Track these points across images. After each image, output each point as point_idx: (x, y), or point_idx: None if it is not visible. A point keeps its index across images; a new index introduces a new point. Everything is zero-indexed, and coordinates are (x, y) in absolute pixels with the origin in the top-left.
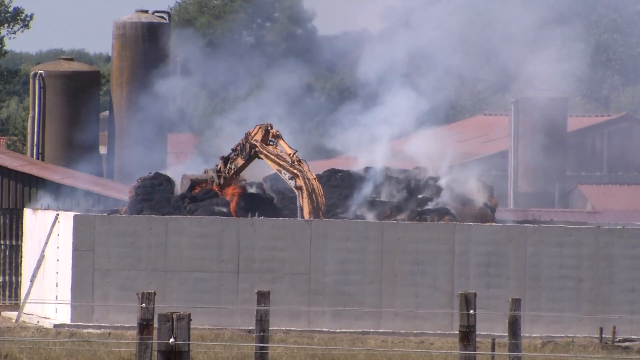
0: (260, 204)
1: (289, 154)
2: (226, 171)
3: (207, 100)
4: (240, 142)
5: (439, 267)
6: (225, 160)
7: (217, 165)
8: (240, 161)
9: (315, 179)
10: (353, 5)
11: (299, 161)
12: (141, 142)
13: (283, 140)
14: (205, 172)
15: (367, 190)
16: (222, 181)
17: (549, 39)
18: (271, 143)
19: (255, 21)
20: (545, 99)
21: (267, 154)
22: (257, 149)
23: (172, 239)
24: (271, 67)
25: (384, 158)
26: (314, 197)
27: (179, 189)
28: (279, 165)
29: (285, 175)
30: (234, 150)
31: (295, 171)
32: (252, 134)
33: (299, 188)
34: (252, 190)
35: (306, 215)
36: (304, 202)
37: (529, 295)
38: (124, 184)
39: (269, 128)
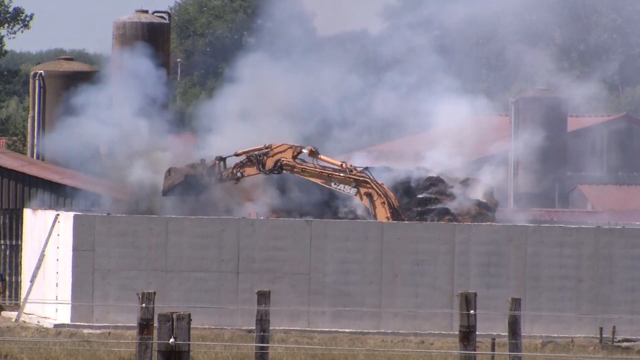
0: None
1: (340, 165)
2: (226, 174)
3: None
4: (257, 152)
5: (439, 267)
6: (221, 159)
7: (202, 161)
8: (252, 171)
9: (383, 184)
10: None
11: (355, 169)
12: None
13: (321, 155)
14: (194, 166)
15: None
16: (214, 182)
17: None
18: (299, 161)
19: (256, 22)
20: (545, 99)
21: (307, 168)
22: (288, 168)
23: (172, 239)
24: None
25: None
26: (391, 202)
27: (164, 181)
28: (329, 177)
29: (339, 186)
30: (237, 154)
31: (359, 178)
32: (276, 151)
33: (369, 195)
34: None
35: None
36: (378, 209)
37: (529, 295)
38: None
39: (303, 150)
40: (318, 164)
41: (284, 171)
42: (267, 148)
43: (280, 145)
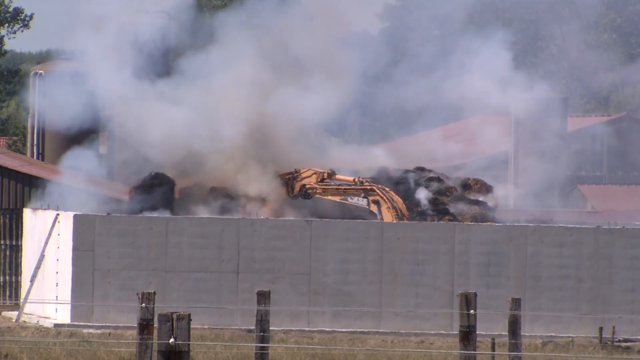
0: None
1: (352, 180)
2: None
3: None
4: (288, 176)
5: (439, 267)
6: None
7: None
8: (284, 193)
9: (390, 190)
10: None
11: (366, 180)
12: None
13: (336, 175)
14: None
15: None
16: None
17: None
18: (320, 184)
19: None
20: (545, 98)
21: (327, 188)
22: (311, 191)
23: (172, 239)
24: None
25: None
26: (397, 207)
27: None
28: (344, 192)
29: (354, 199)
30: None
31: (367, 188)
32: (303, 175)
33: (376, 202)
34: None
35: None
36: (384, 214)
37: (529, 295)
38: (124, 184)
39: (324, 176)
40: (334, 183)
41: (309, 196)
42: (295, 172)
43: (307, 170)
